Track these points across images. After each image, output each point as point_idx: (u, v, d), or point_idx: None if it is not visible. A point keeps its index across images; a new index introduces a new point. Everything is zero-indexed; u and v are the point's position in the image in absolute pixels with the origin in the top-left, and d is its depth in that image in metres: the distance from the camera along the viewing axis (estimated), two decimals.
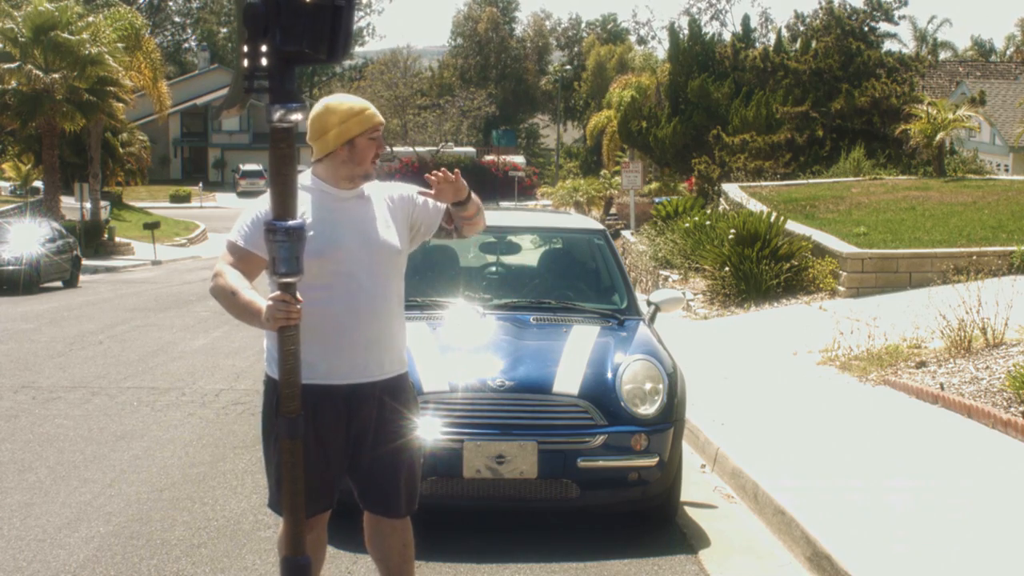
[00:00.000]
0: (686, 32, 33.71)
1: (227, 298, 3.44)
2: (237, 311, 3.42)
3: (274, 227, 3.03)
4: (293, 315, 3.11)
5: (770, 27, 58.78)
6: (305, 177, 3.66)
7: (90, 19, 32.06)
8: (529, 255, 7.49)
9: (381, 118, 3.65)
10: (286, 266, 3.07)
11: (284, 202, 3.03)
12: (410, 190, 3.83)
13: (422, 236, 3.85)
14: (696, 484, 6.29)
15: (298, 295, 3.15)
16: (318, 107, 3.65)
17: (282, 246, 3.04)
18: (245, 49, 2.84)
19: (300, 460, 3.15)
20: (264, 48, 2.83)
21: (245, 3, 2.76)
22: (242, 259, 3.53)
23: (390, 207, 3.74)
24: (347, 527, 4.52)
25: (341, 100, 3.66)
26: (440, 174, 3.66)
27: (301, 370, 3.17)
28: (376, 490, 3.69)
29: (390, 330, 3.67)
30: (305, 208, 3.52)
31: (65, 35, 30.44)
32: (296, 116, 2.90)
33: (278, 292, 3.14)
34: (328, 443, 3.57)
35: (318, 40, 2.81)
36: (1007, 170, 38.85)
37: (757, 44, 37.68)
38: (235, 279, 3.45)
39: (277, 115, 2.89)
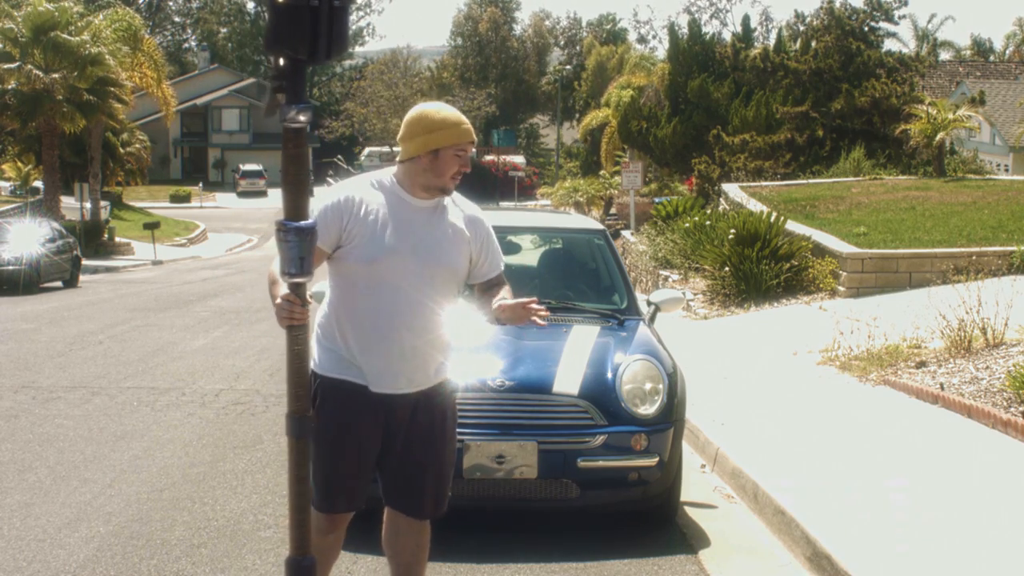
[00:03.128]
0: (686, 32, 33.73)
1: (268, 287, 3.45)
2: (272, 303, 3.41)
3: (284, 227, 2.98)
4: (297, 316, 3.11)
5: (770, 27, 58.85)
6: (386, 175, 3.63)
7: (90, 19, 32.07)
8: (529, 255, 7.48)
9: (473, 136, 3.58)
10: (295, 267, 3.04)
11: (296, 202, 3.00)
12: (482, 217, 3.74)
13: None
14: (696, 484, 6.29)
15: (308, 296, 3.15)
16: (414, 111, 3.63)
17: (291, 246, 3.01)
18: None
19: (306, 459, 3.15)
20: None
21: (276, 5, 2.76)
22: None
23: (462, 225, 3.66)
24: (348, 527, 4.51)
25: (439, 108, 3.61)
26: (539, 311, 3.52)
27: (308, 367, 3.17)
28: (402, 489, 3.70)
29: (431, 345, 3.59)
30: (376, 209, 3.52)
31: (65, 35, 30.46)
32: (304, 116, 2.89)
33: (286, 291, 3.14)
34: (363, 442, 3.58)
35: (297, 41, 2.78)
36: (1007, 170, 38.84)
37: (757, 44, 37.69)
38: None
39: (287, 116, 2.89)
